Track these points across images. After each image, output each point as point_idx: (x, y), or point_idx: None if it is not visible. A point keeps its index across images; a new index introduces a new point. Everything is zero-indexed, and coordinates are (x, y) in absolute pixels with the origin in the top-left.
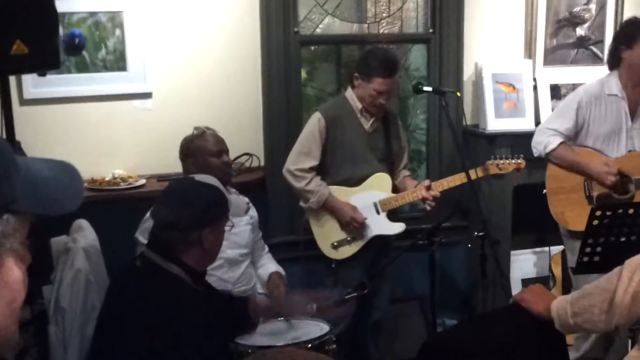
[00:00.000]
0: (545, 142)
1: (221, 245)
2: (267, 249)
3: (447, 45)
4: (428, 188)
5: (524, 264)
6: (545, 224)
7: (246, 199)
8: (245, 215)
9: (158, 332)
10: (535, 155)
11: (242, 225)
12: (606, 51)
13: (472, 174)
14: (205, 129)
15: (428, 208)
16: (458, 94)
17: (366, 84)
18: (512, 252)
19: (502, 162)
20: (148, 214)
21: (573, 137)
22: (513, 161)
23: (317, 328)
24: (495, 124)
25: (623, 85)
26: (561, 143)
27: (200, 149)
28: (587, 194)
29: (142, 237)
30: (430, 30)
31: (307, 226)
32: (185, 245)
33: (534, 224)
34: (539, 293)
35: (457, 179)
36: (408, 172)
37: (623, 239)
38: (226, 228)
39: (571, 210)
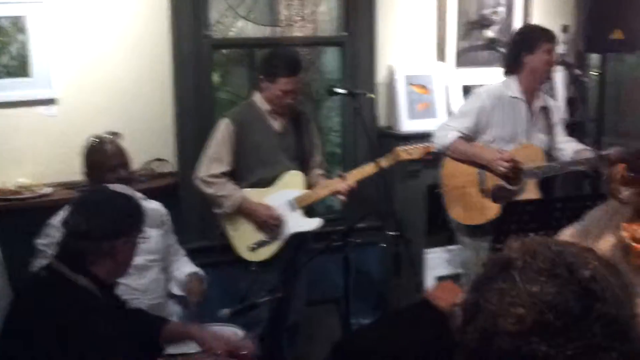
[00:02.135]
0: (443, 136)
1: (133, 257)
2: (184, 252)
3: (361, 48)
4: (341, 177)
5: (439, 261)
6: None
7: (163, 210)
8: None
9: (64, 346)
10: (435, 150)
11: (152, 232)
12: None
13: (383, 162)
14: (108, 136)
15: (342, 198)
16: (371, 95)
17: (272, 84)
18: (427, 251)
19: (411, 147)
20: (51, 220)
21: (473, 137)
22: (421, 145)
23: (232, 332)
24: (408, 125)
25: (523, 88)
26: (459, 137)
27: (96, 162)
28: (481, 188)
29: (43, 241)
30: (344, 33)
31: (222, 231)
32: (96, 256)
33: (448, 222)
34: (448, 289)
35: (370, 169)
36: (322, 171)
37: (531, 235)
38: (140, 240)
39: (466, 205)
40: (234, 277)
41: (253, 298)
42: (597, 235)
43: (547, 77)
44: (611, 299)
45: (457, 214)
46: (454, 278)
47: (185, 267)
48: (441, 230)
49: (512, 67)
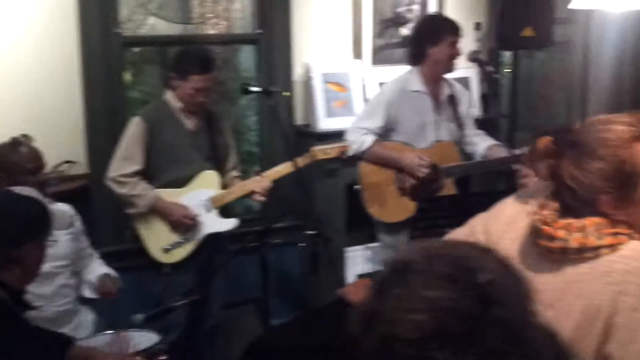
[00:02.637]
0: (359, 142)
1: (42, 262)
2: (96, 255)
3: (276, 46)
4: (258, 175)
5: (359, 259)
6: None
7: (71, 212)
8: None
9: None
10: (351, 154)
11: (60, 236)
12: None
13: (300, 161)
14: (21, 138)
15: (258, 198)
16: (286, 93)
17: (183, 82)
18: (348, 249)
19: (327, 147)
20: None
21: (384, 134)
22: (337, 145)
23: (146, 338)
24: (326, 123)
25: (425, 80)
26: (374, 141)
27: (13, 164)
28: (399, 186)
29: None
30: (258, 31)
31: (135, 234)
32: (3, 262)
33: (369, 220)
34: (363, 285)
35: (286, 168)
36: (238, 172)
37: (447, 230)
38: (48, 244)
39: (384, 203)
40: (149, 280)
41: (168, 302)
42: (511, 220)
43: (450, 69)
44: (509, 303)
45: (376, 211)
46: (375, 276)
47: (98, 269)
48: (362, 228)
49: (415, 58)
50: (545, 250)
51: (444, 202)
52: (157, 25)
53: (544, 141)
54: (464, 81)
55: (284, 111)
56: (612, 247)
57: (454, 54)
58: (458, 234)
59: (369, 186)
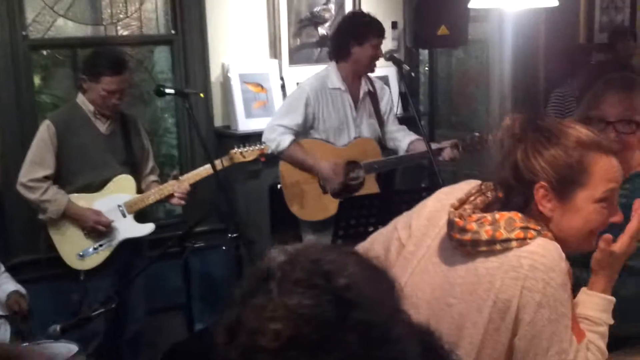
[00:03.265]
0: (277, 141)
1: None
2: (2, 268)
3: (191, 47)
4: (176, 179)
5: None
6: None
7: None
8: None
9: None
10: (269, 152)
11: None
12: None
13: (218, 165)
14: None
15: (177, 202)
16: (201, 95)
17: (95, 84)
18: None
19: (245, 149)
20: None
21: (303, 132)
22: (256, 147)
23: (65, 349)
24: (246, 124)
25: (344, 77)
26: (292, 141)
27: None
28: (321, 184)
29: None
30: (173, 32)
31: (49, 241)
32: None
33: (293, 220)
34: None
35: (204, 171)
36: (156, 177)
37: (371, 229)
38: None
39: (306, 201)
40: (65, 290)
41: (87, 310)
42: (432, 216)
43: (371, 70)
44: (370, 306)
45: (298, 210)
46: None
47: (5, 286)
48: (287, 228)
49: (337, 54)
50: (458, 244)
51: (367, 201)
52: (66, 27)
53: (512, 119)
54: (383, 80)
55: (202, 113)
56: (521, 240)
57: (376, 56)
58: (382, 232)
59: (290, 185)
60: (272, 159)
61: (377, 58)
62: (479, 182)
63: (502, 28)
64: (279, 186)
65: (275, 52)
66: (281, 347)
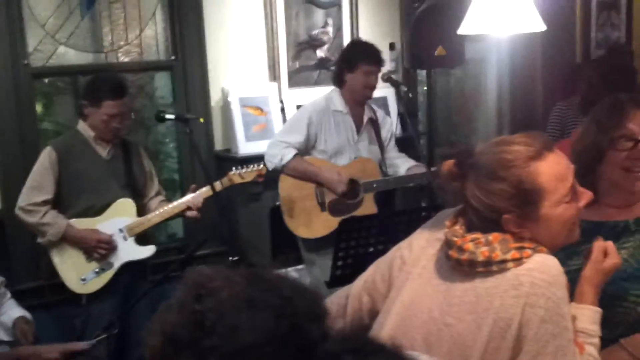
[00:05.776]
0: (280, 155)
1: None
2: (9, 295)
3: (192, 72)
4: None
5: None
6: None
7: None
8: None
9: None
10: (270, 168)
11: None
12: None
13: (218, 186)
14: None
15: (193, 215)
16: (201, 120)
17: (96, 109)
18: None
19: (244, 171)
20: None
21: (304, 151)
22: (254, 168)
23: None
24: (246, 147)
25: (346, 101)
26: (295, 155)
27: None
28: (319, 201)
29: None
30: (173, 57)
31: (51, 267)
32: None
33: (294, 242)
34: None
35: (204, 193)
36: (163, 197)
37: (371, 250)
38: None
39: (306, 219)
40: (68, 315)
41: (88, 336)
42: (431, 237)
43: (366, 97)
44: (224, 332)
45: (297, 228)
46: None
47: (11, 311)
48: (288, 251)
49: (334, 80)
50: (456, 263)
51: (368, 221)
52: (67, 55)
53: (447, 165)
54: (382, 101)
55: (202, 137)
56: (518, 260)
57: (366, 84)
58: (384, 257)
59: (288, 201)
60: (272, 181)
61: (369, 86)
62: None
63: (499, 47)
64: (277, 203)
65: (274, 75)
66: None
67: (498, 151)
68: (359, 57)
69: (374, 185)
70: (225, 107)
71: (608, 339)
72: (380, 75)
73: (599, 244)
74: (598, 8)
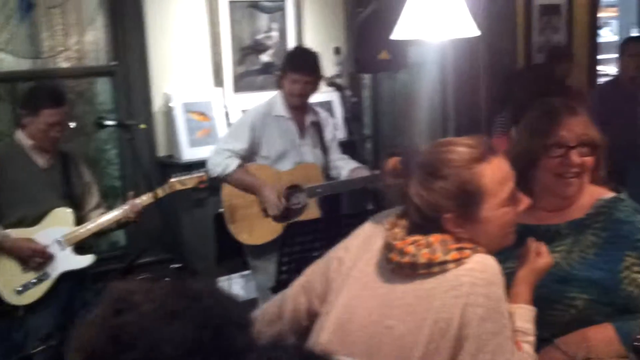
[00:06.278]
0: (223, 164)
1: None
2: None
3: (133, 77)
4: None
5: (234, 288)
6: None
7: None
8: None
9: None
10: (213, 176)
11: None
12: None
13: (159, 193)
14: None
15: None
16: (142, 126)
17: (35, 118)
18: (220, 279)
19: (184, 177)
20: None
21: (248, 157)
22: (195, 175)
23: None
24: (190, 153)
25: (287, 106)
26: (239, 165)
27: None
28: (263, 207)
29: None
30: (114, 63)
31: None
32: None
33: (240, 247)
34: None
35: (145, 200)
36: (103, 210)
37: (316, 254)
38: None
39: (249, 226)
40: (8, 328)
41: (26, 349)
42: (368, 238)
43: (294, 104)
44: (144, 346)
45: (241, 235)
46: (251, 303)
47: None
48: (233, 256)
49: (278, 84)
50: (397, 266)
51: (312, 225)
52: (5, 61)
53: (392, 162)
54: (327, 105)
55: (144, 143)
56: (458, 261)
57: (293, 91)
58: (318, 262)
59: (231, 208)
60: (217, 187)
61: (296, 93)
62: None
63: (444, 51)
64: (220, 210)
65: (218, 80)
66: None
67: (444, 150)
68: (287, 64)
69: (318, 190)
70: (169, 112)
71: (543, 339)
72: (308, 82)
73: (531, 245)
74: (539, 12)
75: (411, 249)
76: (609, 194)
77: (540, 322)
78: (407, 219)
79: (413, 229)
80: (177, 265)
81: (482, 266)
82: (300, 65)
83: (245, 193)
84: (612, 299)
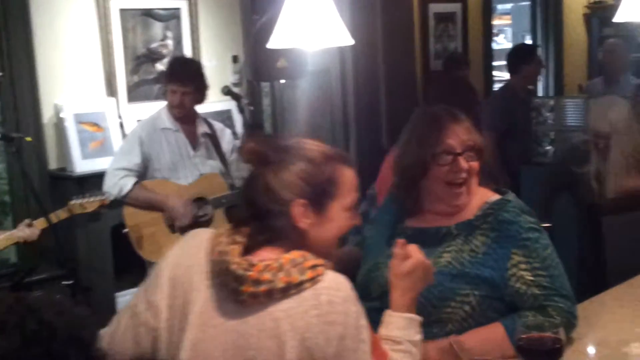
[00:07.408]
0: (119, 186)
1: None
2: None
3: (20, 88)
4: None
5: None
6: None
7: None
8: None
9: None
10: (111, 199)
11: None
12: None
13: (54, 217)
14: None
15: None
16: (28, 139)
17: None
18: (119, 293)
19: (85, 200)
20: None
21: (143, 172)
22: (97, 198)
23: None
24: (82, 165)
25: (173, 117)
26: (135, 183)
27: None
28: (168, 224)
29: None
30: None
31: None
32: None
33: (139, 260)
34: None
35: (39, 225)
36: None
37: None
38: None
39: (156, 245)
40: None
41: None
42: (179, 282)
43: (180, 114)
44: None
45: (149, 255)
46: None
47: None
48: (132, 269)
49: (164, 96)
50: (250, 297)
51: None
52: None
53: (249, 145)
54: (226, 114)
55: (34, 156)
56: (313, 280)
57: (171, 102)
58: (117, 330)
59: (137, 228)
60: (114, 200)
61: (174, 104)
62: (210, 230)
63: (343, 58)
64: (125, 231)
65: (111, 90)
66: None
67: (315, 142)
68: (166, 75)
69: (223, 201)
70: (59, 123)
71: (441, 336)
72: (187, 92)
73: (396, 252)
74: (435, 20)
75: (268, 276)
76: (496, 196)
77: (437, 320)
78: (242, 237)
79: (251, 244)
80: (68, 282)
81: (336, 284)
82: (177, 75)
83: (147, 212)
84: (502, 295)
